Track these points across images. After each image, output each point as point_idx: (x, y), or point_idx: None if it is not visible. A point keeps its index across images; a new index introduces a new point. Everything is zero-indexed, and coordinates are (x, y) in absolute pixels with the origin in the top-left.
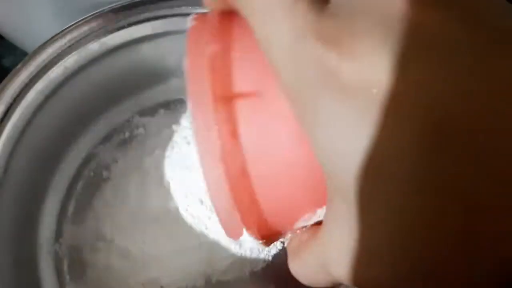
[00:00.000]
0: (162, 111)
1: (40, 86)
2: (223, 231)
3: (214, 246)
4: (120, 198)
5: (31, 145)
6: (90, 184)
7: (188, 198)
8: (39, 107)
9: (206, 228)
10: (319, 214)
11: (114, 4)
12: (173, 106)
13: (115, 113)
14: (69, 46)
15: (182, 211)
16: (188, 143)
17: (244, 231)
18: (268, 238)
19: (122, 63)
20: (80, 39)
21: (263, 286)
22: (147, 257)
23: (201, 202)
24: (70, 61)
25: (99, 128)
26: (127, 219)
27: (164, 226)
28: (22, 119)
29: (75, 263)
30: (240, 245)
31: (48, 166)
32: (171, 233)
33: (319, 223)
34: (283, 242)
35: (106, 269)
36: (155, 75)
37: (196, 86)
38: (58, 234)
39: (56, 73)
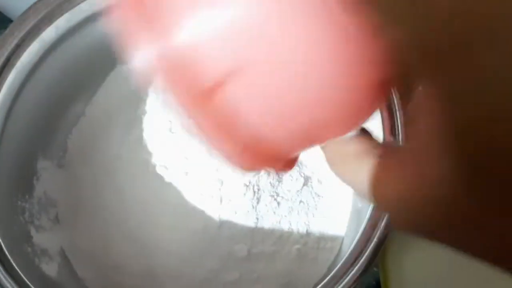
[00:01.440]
0: None
1: (34, 47)
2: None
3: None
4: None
5: (27, 106)
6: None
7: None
8: (34, 68)
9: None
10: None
11: None
12: None
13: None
14: (59, 6)
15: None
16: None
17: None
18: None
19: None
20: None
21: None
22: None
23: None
24: (62, 21)
25: (93, 90)
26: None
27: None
28: (17, 80)
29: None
30: None
31: (43, 126)
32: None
33: None
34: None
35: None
36: None
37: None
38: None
39: (48, 34)
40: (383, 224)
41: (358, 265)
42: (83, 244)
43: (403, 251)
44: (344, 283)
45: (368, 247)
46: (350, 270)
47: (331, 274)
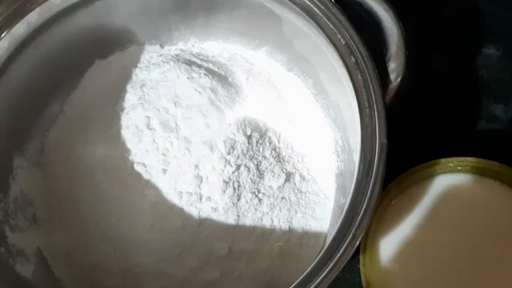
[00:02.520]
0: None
1: (4, 43)
2: None
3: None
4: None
5: (0, 104)
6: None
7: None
8: (5, 64)
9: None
10: None
11: None
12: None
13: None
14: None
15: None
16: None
17: None
18: None
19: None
20: None
21: None
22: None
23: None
24: (33, 16)
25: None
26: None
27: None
28: None
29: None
30: None
31: (19, 124)
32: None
33: None
34: None
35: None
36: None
37: None
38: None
39: (18, 29)
40: (358, 219)
41: (334, 261)
42: (61, 243)
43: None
44: (319, 280)
45: (344, 243)
46: (326, 267)
47: (307, 271)
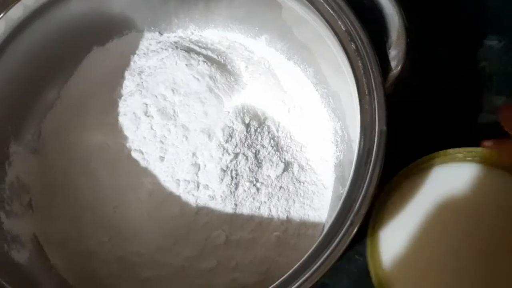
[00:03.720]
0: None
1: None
2: None
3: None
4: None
5: None
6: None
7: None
8: (1, 48)
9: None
10: None
11: None
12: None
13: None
14: None
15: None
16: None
17: None
18: None
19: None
20: None
21: None
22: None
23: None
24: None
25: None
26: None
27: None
28: None
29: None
30: None
31: (15, 110)
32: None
33: None
34: None
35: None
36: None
37: None
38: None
39: (15, 11)
40: (356, 206)
41: (331, 248)
42: (56, 230)
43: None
44: (316, 267)
45: (341, 230)
46: (323, 254)
47: (303, 258)
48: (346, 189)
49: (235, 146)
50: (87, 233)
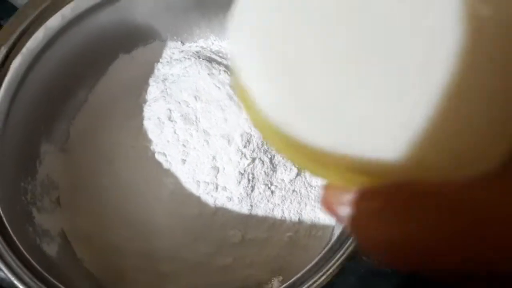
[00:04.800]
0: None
1: (39, 34)
2: None
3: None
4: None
5: (32, 91)
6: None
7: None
8: (39, 55)
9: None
10: None
11: None
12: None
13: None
14: None
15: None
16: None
17: None
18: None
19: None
20: None
21: None
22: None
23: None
24: (67, 10)
25: (96, 78)
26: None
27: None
28: (22, 66)
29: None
30: None
31: (47, 111)
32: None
33: None
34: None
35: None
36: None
37: None
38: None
39: (53, 21)
40: None
41: (343, 250)
42: (82, 226)
43: None
44: (329, 266)
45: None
46: (335, 255)
47: (317, 259)
48: None
49: (252, 151)
50: (111, 229)
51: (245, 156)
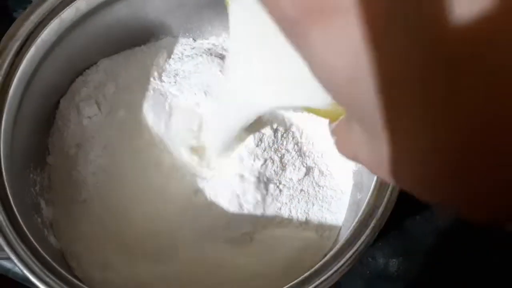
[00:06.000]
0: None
1: (54, 25)
2: None
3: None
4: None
5: (44, 82)
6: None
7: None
8: (53, 45)
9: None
10: None
11: None
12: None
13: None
14: None
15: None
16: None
17: None
18: None
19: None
20: None
21: None
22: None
23: None
24: (82, 3)
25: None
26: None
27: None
28: (36, 56)
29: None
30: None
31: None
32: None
33: None
34: None
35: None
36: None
37: None
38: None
39: (68, 13)
40: (379, 212)
41: (353, 250)
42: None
43: None
44: (339, 265)
45: (363, 234)
46: (342, 256)
47: (324, 259)
48: (368, 195)
49: (264, 150)
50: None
51: (257, 157)
